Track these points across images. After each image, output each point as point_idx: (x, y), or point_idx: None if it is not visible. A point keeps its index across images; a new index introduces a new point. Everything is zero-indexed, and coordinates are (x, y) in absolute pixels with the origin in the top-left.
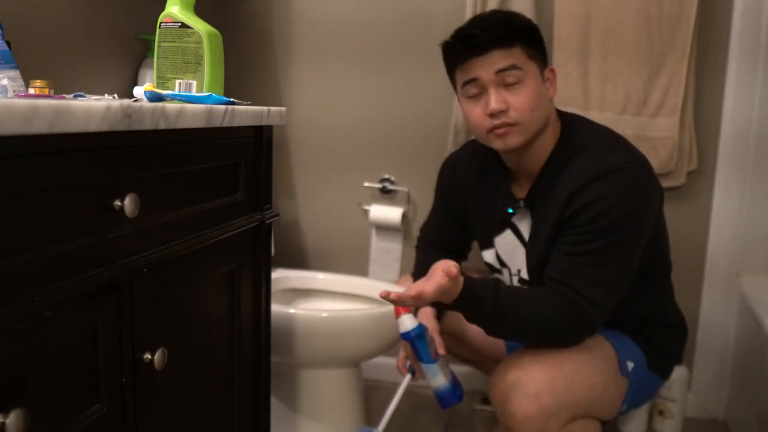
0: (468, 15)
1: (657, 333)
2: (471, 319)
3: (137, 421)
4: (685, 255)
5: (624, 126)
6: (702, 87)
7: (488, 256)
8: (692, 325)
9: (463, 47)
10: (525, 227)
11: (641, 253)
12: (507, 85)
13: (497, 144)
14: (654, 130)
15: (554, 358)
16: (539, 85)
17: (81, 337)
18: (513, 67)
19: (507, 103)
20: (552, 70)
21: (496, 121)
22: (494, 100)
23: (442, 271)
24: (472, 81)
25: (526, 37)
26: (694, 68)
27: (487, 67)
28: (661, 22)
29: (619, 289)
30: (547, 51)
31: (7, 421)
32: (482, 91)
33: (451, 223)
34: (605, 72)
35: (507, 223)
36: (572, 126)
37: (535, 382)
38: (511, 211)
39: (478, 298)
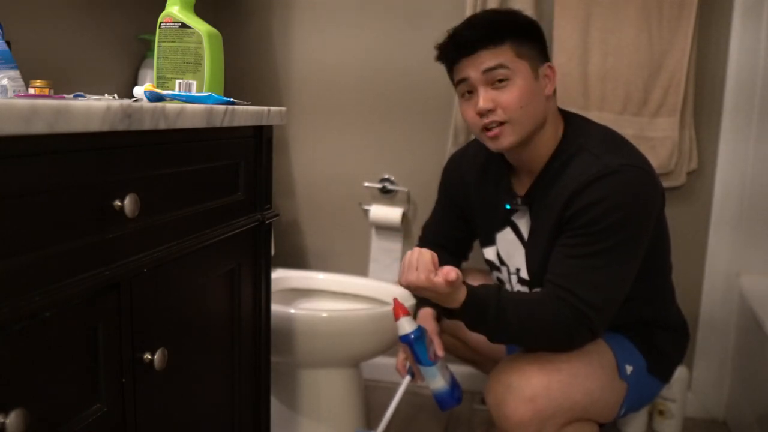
0: (468, 14)
1: (658, 336)
2: (473, 327)
3: (137, 421)
4: (685, 255)
5: (624, 126)
6: (702, 86)
7: (489, 253)
8: (692, 325)
9: (453, 48)
10: (524, 226)
11: (643, 255)
12: (495, 84)
13: (490, 145)
14: (654, 130)
15: (551, 362)
16: (530, 83)
17: (81, 337)
18: (500, 66)
19: (495, 102)
20: (551, 67)
21: (486, 120)
22: (482, 99)
23: (443, 276)
24: (463, 81)
25: (516, 35)
26: (695, 68)
27: (476, 66)
28: (661, 22)
29: (620, 291)
30: (547, 47)
31: (7, 421)
32: (473, 91)
33: (453, 222)
34: (605, 72)
35: (507, 221)
36: (575, 126)
37: (531, 385)
38: (509, 207)
39: (480, 307)
